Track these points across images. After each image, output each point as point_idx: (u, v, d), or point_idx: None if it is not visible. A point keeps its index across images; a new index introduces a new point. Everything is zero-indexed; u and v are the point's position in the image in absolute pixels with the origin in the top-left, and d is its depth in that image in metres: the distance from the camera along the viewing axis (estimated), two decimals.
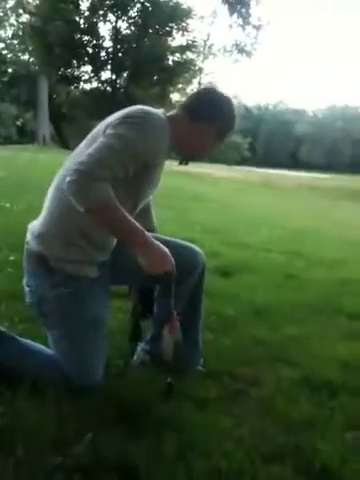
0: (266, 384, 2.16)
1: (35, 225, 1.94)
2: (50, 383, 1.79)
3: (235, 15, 12.46)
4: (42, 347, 1.99)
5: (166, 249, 1.80)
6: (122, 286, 2.31)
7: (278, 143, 65.55)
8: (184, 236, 5.35)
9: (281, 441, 1.73)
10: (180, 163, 2.27)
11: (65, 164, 1.92)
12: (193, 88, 33.80)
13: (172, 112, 1.96)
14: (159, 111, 1.89)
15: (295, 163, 60.30)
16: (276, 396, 2.05)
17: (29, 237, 1.93)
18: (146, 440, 1.62)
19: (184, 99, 2.01)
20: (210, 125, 1.92)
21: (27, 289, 1.94)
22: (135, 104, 1.94)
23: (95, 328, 1.90)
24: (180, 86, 30.34)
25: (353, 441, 1.79)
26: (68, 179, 1.64)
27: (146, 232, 1.78)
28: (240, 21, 13.23)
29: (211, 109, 1.91)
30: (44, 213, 1.91)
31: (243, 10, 12.11)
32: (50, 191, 1.93)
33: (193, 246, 2.20)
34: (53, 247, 1.85)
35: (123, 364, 2.12)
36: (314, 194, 21.00)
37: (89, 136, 1.90)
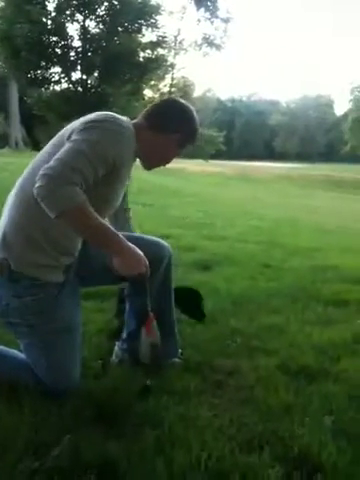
0: (245, 373, 2.19)
1: None
2: (26, 387, 1.78)
3: (202, 9, 12.40)
4: (14, 352, 1.98)
5: (140, 251, 1.80)
6: (92, 287, 2.31)
7: (253, 135, 65.91)
8: (162, 232, 5.39)
9: (260, 429, 1.74)
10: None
11: (28, 167, 1.89)
12: (166, 84, 33.76)
13: (136, 120, 1.96)
14: (124, 118, 1.89)
15: (271, 153, 60.72)
16: (255, 385, 2.07)
17: None
18: (125, 438, 1.62)
19: (147, 108, 2.01)
20: (172, 137, 1.95)
21: None
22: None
23: (68, 333, 1.88)
24: (153, 83, 30.26)
25: (331, 425, 1.81)
26: (37, 184, 1.60)
27: (120, 235, 1.77)
28: (208, 15, 13.20)
29: (174, 121, 1.95)
30: (5, 218, 1.85)
31: (210, 4, 12.08)
32: (11, 196, 1.88)
33: (159, 240, 2.19)
34: (17, 252, 1.80)
35: (101, 364, 2.12)
36: (290, 184, 21.18)
37: (53, 141, 1.86)
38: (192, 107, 2.02)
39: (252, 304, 3.13)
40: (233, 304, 3.13)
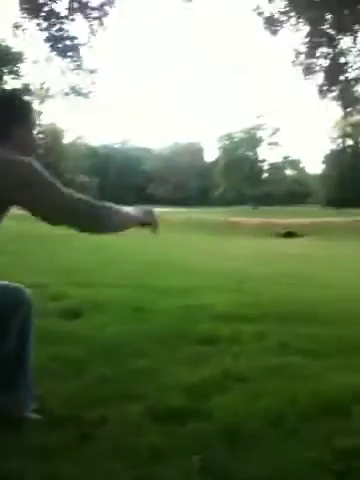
0: (113, 422, 2.11)
1: None
2: None
3: (67, 60, 12.41)
4: None
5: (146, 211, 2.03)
6: None
7: (127, 181, 66.94)
8: (29, 280, 5.11)
9: (130, 477, 1.69)
10: None
11: None
12: (34, 131, 33.47)
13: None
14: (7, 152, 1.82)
15: (145, 200, 61.90)
16: (123, 433, 2.01)
17: None
18: None
19: None
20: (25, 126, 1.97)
21: None
22: None
23: None
24: None
25: (199, 463, 1.79)
26: (81, 222, 1.88)
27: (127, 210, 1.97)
28: (72, 66, 13.21)
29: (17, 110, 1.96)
30: None
31: (73, 55, 12.12)
32: None
33: (18, 286, 2.10)
34: None
35: None
36: (166, 228, 21.65)
37: None
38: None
39: (122, 349, 3.06)
40: (104, 351, 3.04)
